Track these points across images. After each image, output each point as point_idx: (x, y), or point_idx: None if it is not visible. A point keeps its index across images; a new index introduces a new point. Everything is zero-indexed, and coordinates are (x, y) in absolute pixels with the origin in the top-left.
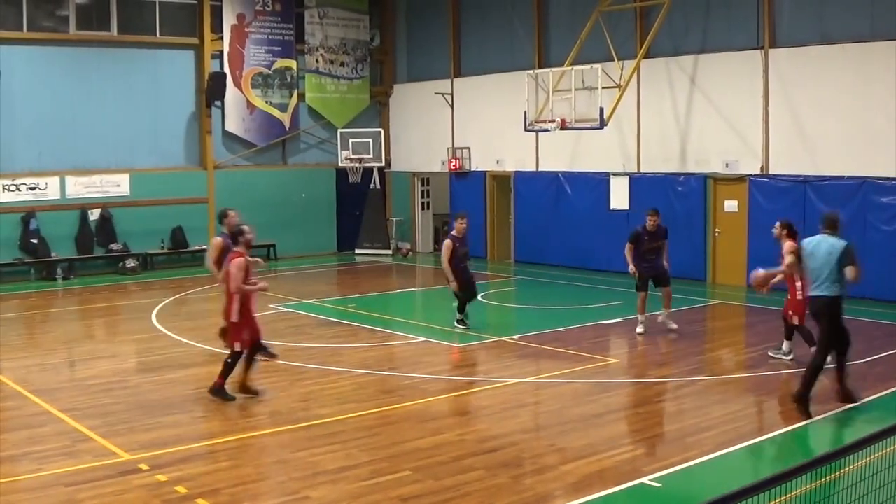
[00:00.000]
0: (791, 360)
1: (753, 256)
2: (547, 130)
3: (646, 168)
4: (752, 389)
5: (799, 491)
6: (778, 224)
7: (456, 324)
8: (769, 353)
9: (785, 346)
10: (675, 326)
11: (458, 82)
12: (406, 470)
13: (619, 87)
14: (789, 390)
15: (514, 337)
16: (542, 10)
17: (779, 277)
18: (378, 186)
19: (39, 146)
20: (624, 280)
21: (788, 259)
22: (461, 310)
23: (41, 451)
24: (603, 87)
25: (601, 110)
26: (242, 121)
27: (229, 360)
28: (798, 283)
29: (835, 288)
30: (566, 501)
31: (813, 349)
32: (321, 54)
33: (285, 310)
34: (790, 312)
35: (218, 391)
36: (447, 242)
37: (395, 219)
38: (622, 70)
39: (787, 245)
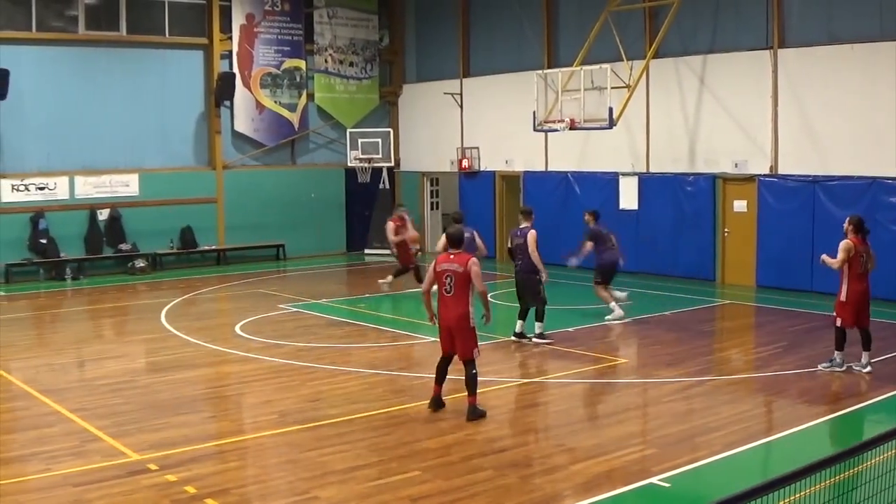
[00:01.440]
0: (843, 370)
1: (763, 256)
2: (556, 130)
3: (655, 168)
4: (761, 389)
5: (808, 491)
6: (847, 220)
7: (534, 339)
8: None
9: (837, 356)
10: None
11: (467, 82)
12: (415, 470)
13: (628, 87)
14: (798, 389)
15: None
16: (551, 10)
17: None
18: (387, 186)
19: (48, 146)
20: (633, 280)
21: (839, 258)
22: (523, 316)
23: (50, 451)
24: (612, 87)
25: (610, 110)
26: (251, 121)
27: (475, 372)
28: (844, 287)
29: None
30: (575, 501)
31: (837, 353)
32: (330, 54)
33: (294, 310)
34: (835, 314)
35: (474, 412)
36: (533, 233)
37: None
38: (631, 70)
39: (842, 243)
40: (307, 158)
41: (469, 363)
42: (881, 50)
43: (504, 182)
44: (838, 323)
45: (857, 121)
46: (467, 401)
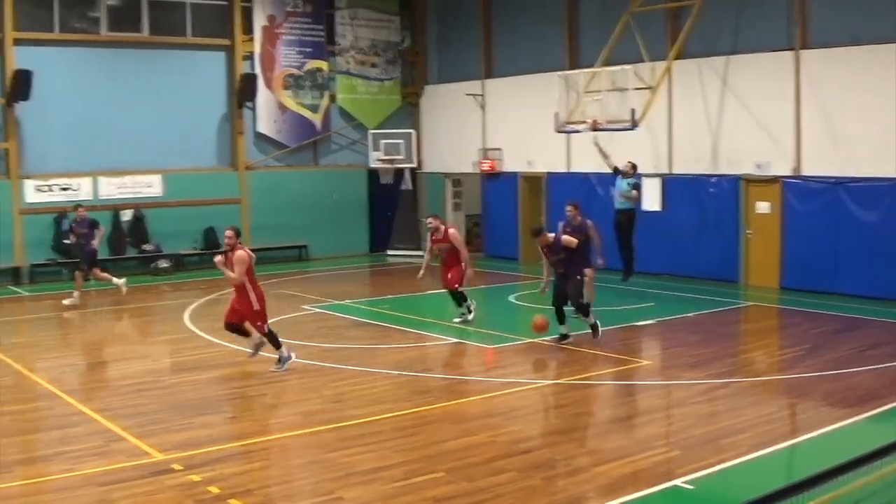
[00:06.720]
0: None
1: (786, 258)
2: (578, 132)
3: (678, 169)
4: (786, 391)
5: (834, 493)
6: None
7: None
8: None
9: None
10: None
11: (489, 83)
12: (439, 471)
13: (650, 88)
14: (823, 391)
15: (546, 338)
16: (573, 12)
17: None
18: (410, 187)
19: (71, 147)
20: (656, 282)
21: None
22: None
23: (74, 450)
24: (634, 89)
25: (633, 111)
26: (274, 122)
27: None
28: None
29: None
30: (599, 503)
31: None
32: (352, 55)
33: (318, 311)
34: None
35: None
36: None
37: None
38: (653, 71)
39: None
40: (330, 159)
41: None
42: None
43: (527, 183)
44: (266, 329)
45: (879, 122)
46: None
